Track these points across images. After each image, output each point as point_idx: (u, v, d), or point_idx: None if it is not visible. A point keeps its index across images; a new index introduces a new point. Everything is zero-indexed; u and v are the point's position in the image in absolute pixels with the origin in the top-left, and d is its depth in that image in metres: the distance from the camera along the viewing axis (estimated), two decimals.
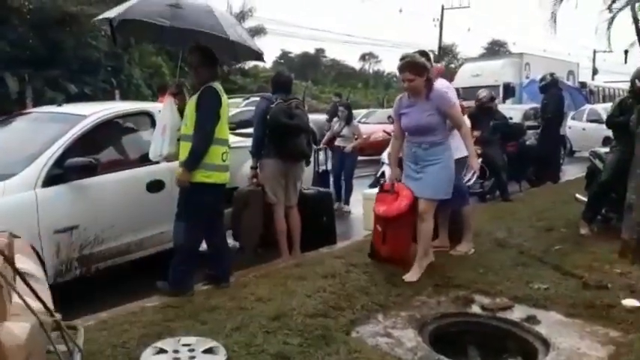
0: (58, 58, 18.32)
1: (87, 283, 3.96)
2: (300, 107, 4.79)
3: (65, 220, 3.63)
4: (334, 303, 3.50)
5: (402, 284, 3.95)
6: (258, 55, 4.11)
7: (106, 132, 4.31)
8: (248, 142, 5.13)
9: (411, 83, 3.93)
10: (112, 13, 3.61)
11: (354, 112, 19.50)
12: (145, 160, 4.32)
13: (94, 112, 4.19)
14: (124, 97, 20.21)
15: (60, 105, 4.78)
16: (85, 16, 19.27)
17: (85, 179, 3.78)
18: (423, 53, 4.17)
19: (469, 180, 4.41)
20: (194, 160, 3.57)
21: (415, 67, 3.91)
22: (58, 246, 3.58)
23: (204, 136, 3.57)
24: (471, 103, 7.71)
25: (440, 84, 4.31)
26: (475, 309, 3.59)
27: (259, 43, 31.16)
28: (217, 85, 3.69)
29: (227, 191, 4.60)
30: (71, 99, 17.82)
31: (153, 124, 4.39)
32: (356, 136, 7.92)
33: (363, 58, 59.90)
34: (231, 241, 4.47)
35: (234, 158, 4.90)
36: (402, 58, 4.00)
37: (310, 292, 3.66)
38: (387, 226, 4.19)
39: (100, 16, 3.84)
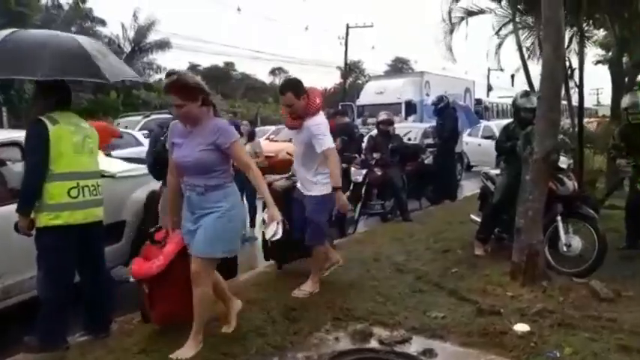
0: None
1: None
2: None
3: None
4: (226, 349, 3.28)
5: (301, 319, 3.80)
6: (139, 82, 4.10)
7: None
8: (139, 170, 4.81)
9: (181, 110, 3.09)
10: None
11: (264, 128, 19.48)
12: (15, 196, 3.88)
13: None
14: (13, 114, 18.70)
15: None
16: None
17: None
18: (293, 85, 4.25)
19: (274, 234, 3.23)
20: (22, 202, 3.21)
21: (183, 89, 3.05)
22: None
23: (27, 175, 3.20)
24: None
25: (314, 120, 4.17)
26: (373, 343, 3.51)
27: (165, 57, 30.26)
28: (52, 116, 3.25)
29: (112, 226, 4.27)
30: None
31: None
32: (257, 154, 7.74)
33: (273, 72, 59.98)
34: None
35: (120, 189, 4.59)
36: (168, 75, 3.16)
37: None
38: (152, 286, 3.35)
39: None
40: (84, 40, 3.56)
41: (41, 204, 3.15)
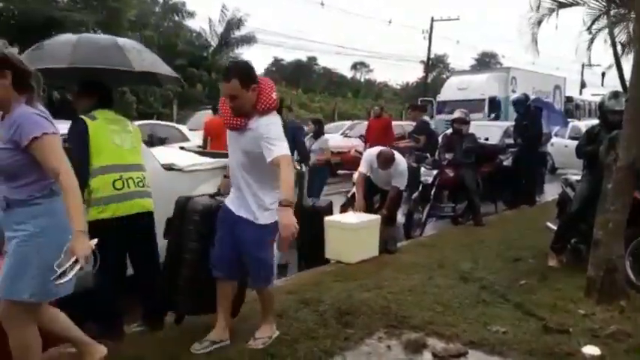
0: None
1: None
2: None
3: None
4: (275, 350, 3.26)
5: (355, 324, 3.72)
6: (176, 80, 4.38)
7: None
8: (209, 163, 4.90)
9: None
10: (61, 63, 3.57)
11: (340, 123, 19.47)
12: None
13: None
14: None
15: None
16: (70, 21, 19.08)
17: None
18: (242, 70, 3.12)
19: (63, 273, 2.25)
20: None
21: None
22: None
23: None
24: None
25: (265, 119, 3.10)
26: (427, 356, 3.37)
27: (250, 52, 31.02)
28: (92, 114, 3.35)
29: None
30: (52, 105, 17.58)
31: None
32: (324, 151, 7.73)
33: (354, 67, 59.95)
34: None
35: (184, 184, 4.69)
36: None
37: (250, 336, 3.41)
38: None
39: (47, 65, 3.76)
40: (122, 39, 3.86)
41: (89, 199, 3.23)
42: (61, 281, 2.21)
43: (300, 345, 3.35)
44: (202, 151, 6.20)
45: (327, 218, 5.42)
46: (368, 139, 10.49)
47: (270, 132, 3.01)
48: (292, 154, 6.27)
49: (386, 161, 5.50)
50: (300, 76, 49.08)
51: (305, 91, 38.67)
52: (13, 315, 2.41)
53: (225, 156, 5.46)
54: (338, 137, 15.51)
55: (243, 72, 3.09)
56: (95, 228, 3.07)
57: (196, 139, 9.84)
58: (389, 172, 5.61)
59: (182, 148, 7.18)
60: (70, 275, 2.19)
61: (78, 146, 3.28)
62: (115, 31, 21.36)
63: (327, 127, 19.75)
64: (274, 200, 3.07)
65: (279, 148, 2.97)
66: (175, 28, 27.56)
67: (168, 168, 4.62)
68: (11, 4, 18.27)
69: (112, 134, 3.38)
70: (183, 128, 12.00)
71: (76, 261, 2.20)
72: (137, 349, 3.24)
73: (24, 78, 2.39)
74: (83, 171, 3.24)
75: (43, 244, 2.34)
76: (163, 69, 4.07)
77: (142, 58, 3.73)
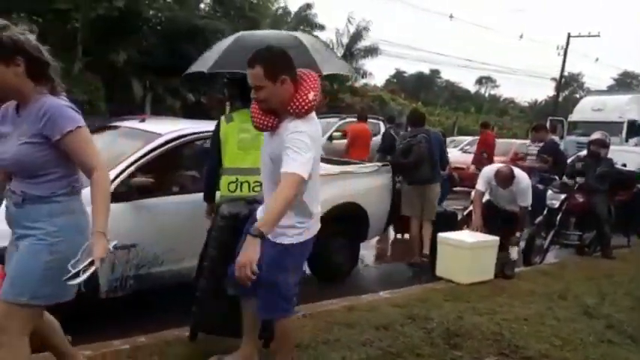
0: (180, 68, 19.60)
1: (146, 300, 4.03)
2: (423, 141, 5.94)
3: (124, 237, 3.68)
4: None
5: (463, 346, 3.58)
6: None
7: (179, 152, 4.37)
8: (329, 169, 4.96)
9: None
10: (202, 67, 4.00)
11: (459, 138, 18.92)
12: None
13: (170, 130, 4.24)
14: (236, 108, 21.05)
15: (143, 120, 4.91)
16: (210, 29, 20.52)
17: (148, 199, 3.83)
18: (268, 57, 2.58)
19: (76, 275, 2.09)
20: (204, 191, 3.69)
21: None
22: (114, 262, 3.65)
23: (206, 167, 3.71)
24: None
25: (297, 124, 2.53)
26: None
27: (373, 62, 31.28)
28: (232, 115, 3.52)
29: None
30: (188, 107, 18.97)
31: None
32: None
33: (479, 81, 58.04)
34: None
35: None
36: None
37: (354, 344, 3.41)
38: None
39: (191, 70, 4.22)
40: (302, 36, 3.95)
41: (219, 195, 3.44)
42: (74, 282, 2.02)
43: None
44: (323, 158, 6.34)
45: (440, 235, 5.27)
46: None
47: (292, 141, 2.44)
48: (441, 162, 6.62)
49: (505, 179, 5.22)
50: (421, 89, 48.48)
51: (425, 104, 38.12)
52: (7, 317, 2.11)
53: (346, 164, 5.51)
54: (456, 152, 15.08)
55: (269, 59, 2.55)
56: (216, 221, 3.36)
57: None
58: (510, 189, 5.31)
59: None
60: (85, 277, 2.02)
61: (211, 146, 3.58)
62: None
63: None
64: (303, 220, 2.64)
65: (293, 162, 2.40)
66: None
67: None
68: (159, 12, 20.03)
69: (241, 137, 3.44)
70: None
71: (92, 263, 2.04)
72: None
73: (40, 67, 2.16)
74: (210, 170, 3.55)
75: (57, 244, 2.14)
76: (343, 68, 4.23)
77: (323, 58, 3.84)
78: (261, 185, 3.43)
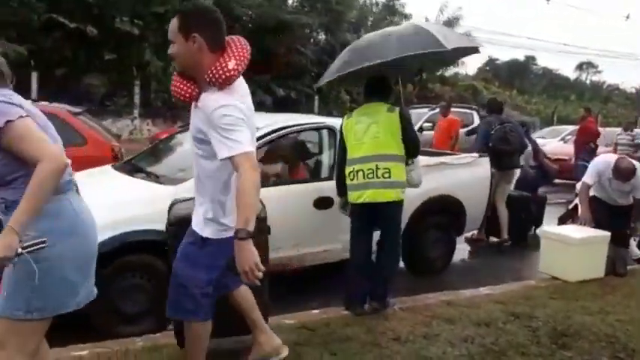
0: (270, 64, 20.09)
1: None
2: (514, 130, 6.18)
3: None
4: (480, 358, 3.11)
5: (573, 347, 3.36)
6: (474, 49, 4.41)
7: (278, 144, 4.47)
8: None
9: None
10: (333, 75, 4.07)
11: (558, 127, 17.87)
12: (315, 175, 4.45)
13: (267, 124, 4.34)
14: (323, 101, 21.30)
15: None
16: (297, 24, 20.83)
17: None
18: (187, 13, 2.25)
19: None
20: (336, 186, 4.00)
21: None
22: None
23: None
24: None
25: (217, 97, 2.17)
26: None
27: None
28: (354, 109, 3.94)
29: None
30: (278, 102, 19.43)
31: (334, 139, 4.45)
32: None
33: (580, 67, 54.44)
34: None
35: None
36: None
37: (455, 339, 3.32)
38: None
39: (324, 80, 4.32)
40: (419, 22, 4.04)
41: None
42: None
43: (508, 358, 3.15)
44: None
45: (544, 229, 4.99)
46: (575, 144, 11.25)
47: (220, 118, 2.09)
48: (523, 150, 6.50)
49: (627, 173, 4.78)
50: (515, 76, 46.31)
51: (520, 92, 36.39)
52: (7, 335, 1.91)
53: (442, 155, 5.40)
54: (556, 143, 14.25)
55: (187, 12, 2.24)
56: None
57: None
58: (629, 183, 4.87)
59: None
60: None
61: (339, 140, 3.97)
62: (335, 32, 22.77)
63: (542, 132, 18.38)
64: (224, 216, 2.28)
65: (232, 143, 2.06)
66: None
67: None
68: (249, 10, 20.60)
69: (355, 128, 3.77)
70: None
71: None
72: None
73: None
74: (338, 165, 3.95)
75: (46, 253, 1.85)
76: (468, 43, 4.32)
77: (446, 36, 3.85)
78: (373, 173, 3.65)
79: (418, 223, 4.76)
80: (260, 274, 2.05)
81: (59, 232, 1.90)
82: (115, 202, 3.58)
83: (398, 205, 3.71)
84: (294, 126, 4.46)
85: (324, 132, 4.58)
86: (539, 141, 15.61)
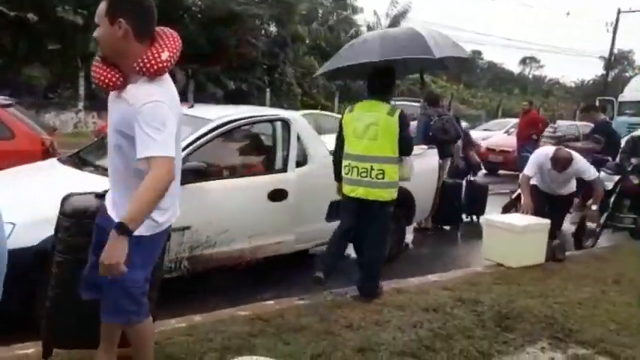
0: (220, 55, 19.83)
1: (199, 281, 4.15)
2: (450, 121, 6.72)
3: (178, 220, 3.75)
4: (429, 342, 3.23)
5: (515, 329, 3.54)
6: (463, 61, 4.70)
7: (230, 137, 4.46)
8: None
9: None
10: (336, 65, 4.27)
11: (503, 120, 18.51)
12: (269, 167, 4.47)
13: (219, 116, 4.31)
14: (275, 94, 21.21)
15: (192, 106, 4.99)
16: (248, 15, 20.59)
17: (202, 183, 3.92)
18: None
19: None
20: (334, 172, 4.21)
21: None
22: (169, 244, 3.75)
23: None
24: None
25: (143, 89, 2.09)
26: None
27: None
28: (355, 104, 4.05)
29: None
30: (229, 94, 19.22)
31: (288, 132, 4.49)
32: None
33: (523, 61, 56.41)
34: None
35: None
36: None
37: (405, 325, 3.43)
38: None
39: (326, 68, 4.50)
40: (421, 29, 4.15)
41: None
42: None
43: (455, 342, 3.28)
44: None
45: (488, 217, 5.21)
46: (518, 136, 11.61)
47: (147, 114, 1.99)
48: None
49: (564, 162, 5.05)
50: (462, 71, 47.44)
51: (467, 86, 37.35)
52: None
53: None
54: (501, 135, 14.77)
55: None
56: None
57: None
58: (566, 172, 5.15)
59: None
60: None
61: (337, 133, 4.10)
62: (286, 24, 22.68)
63: (488, 124, 18.99)
64: (156, 211, 2.09)
65: (154, 143, 1.97)
66: (341, 22, 28.37)
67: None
68: (199, 0, 20.20)
69: (354, 125, 3.91)
70: None
71: None
72: None
73: None
74: (334, 154, 4.15)
75: None
76: (458, 52, 4.35)
77: (437, 43, 3.96)
78: (367, 172, 3.81)
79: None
80: (119, 275, 1.99)
81: None
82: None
83: (389, 203, 3.90)
84: (247, 118, 4.46)
85: (278, 124, 4.59)
86: (484, 133, 16.15)
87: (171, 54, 2.12)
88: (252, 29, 21.28)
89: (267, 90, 20.79)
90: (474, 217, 7.50)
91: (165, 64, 2.09)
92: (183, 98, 17.04)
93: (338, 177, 4.10)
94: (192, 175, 3.85)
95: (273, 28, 23.40)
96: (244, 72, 20.77)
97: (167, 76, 2.16)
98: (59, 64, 16.62)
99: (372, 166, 3.79)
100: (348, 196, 3.93)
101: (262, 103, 19.31)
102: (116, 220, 2.07)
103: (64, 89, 16.84)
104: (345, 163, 3.93)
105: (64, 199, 2.59)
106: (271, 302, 3.79)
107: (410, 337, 3.28)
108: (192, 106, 4.96)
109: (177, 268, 3.88)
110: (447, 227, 7.12)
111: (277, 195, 4.29)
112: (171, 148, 2.03)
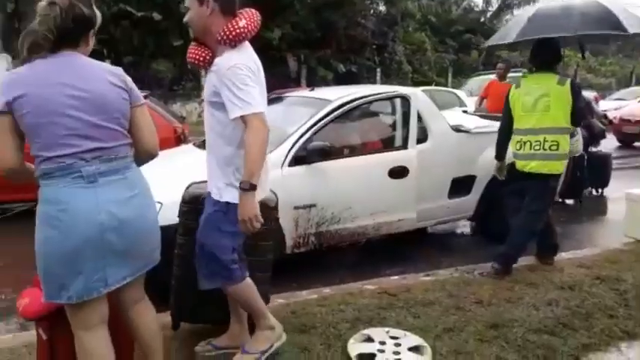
0: (330, 39, 20.04)
1: (323, 257, 4.30)
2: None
3: (305, 198, 3.95)
4: (567, 320, 3.08)
5: None
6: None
7: (350, 116, 4.52)
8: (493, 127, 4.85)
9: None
10: (505, 39, 4.25)
11: (637, 88, 16.86)
12: (389, 145, 4.50)
13: (339, 96, 4.40)
14: (385, 74, 21.06)
15: (313, 89, 5.14)
16: None
17: (325, 162, 4.03)
18: None
19: None
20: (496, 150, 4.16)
21: None
22: (297, 221, 3.93)
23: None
24: None
25: (228, 58, 2.23)
26: None
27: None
28: (521, 80, 3.95)
29: (462, 180, 4.67)
30: (339, 77, 19.41)
31: (408, 108, 4.48)
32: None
33: None
34: None
35: (472, 145, 4.72)
36: None
37: (540, 303, 3.30)
38: (53, 330, 2.20)
39: (493, 42, 4.55)
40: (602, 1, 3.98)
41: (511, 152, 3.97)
42: None
43: (595, 321, 3.10)
44: (485, 115, 6.10)
45: (630, 191, 4.80)
46: None
47: (231, 78, 2.15)
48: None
49: None
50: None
51: (594, 54, 34.38)
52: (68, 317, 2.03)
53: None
54: (635, 104, 13.50)
55: None
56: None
57: (472, 104, 9.82)
58: None
59: (464, 112, 7.20)
60: None
61: (503, 109, 4.05)
62: (396, 2, 22.33)
63: (620, 93, 17.42)
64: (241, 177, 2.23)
65: (242, 103, 2.14)
66: None
67: (457, 130, 4.71)
68: None
69: (523, 99, 3.86)
70: (461, 94, 12.10)
71: None
72: None
73: None
74: (500, 131, 4.09)
75: (36, 236, 1.90)
76: None
77: (628, 17, 3.87)
78: (540, 144, 3.77)
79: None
80: (258, 225, 2.18)
81: (41, 219, 1.87)
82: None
83: (557, 177, 3.86)
84: (367, 96, 4.49)
85: (398, 101, 4.57)
86: (617, 103, 14.91)
87: (249, 22, 2.26)
88: (362, 10, 21.24)
89: (377, 70, 20.67)
90: (596, 191, 6.98)
91: (242, 29, 2.23)
92: (296, 83, 17.56)
93: (499, 156, 4.08)
94: (317, 155, 3.98)
95: (382, 7, 23.15)
96: (354, 54, 20.83)
97: (248, 45, 2.31)
98: (182, 59, 17.77)
99: (545, 138, 3.73)
100: (517, 171, 3.88)
101: (372, 84, 19.26)
102: (211, 190, 2.35)
103: (187, 81, 18.01)
104: (516, 139, 3.89)
105: (186, 188, 2.79)
106: (396, 277, 3.84)
107: (546, 314, 3.15)
108: (312, 89, 5.13)
109: (304, 243, 4.04)
110: (569, 201, 6.66)
111: (398, 172, 4.29)
112: (260, 104, 2.17)
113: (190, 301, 2.75)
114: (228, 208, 2.28)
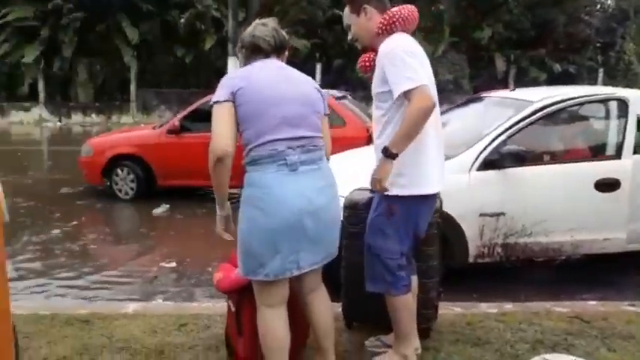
0: (545, 38, 18.59)
1: (509, 270, 4.03)
2: None
3: (493, 205, 3.73)
4: None
5: None
6: None
7: (553, 120, 4.14)
8: None
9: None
10: None
11: None
12: (598, 153, 4.06)
13: (542, 97, 4.05)
14: (609, 75, 18.83)
15: (513, 90, 4.81)
16: None
17: (520, 168, 3.75)
18: None
19: None
20: None
21: None
22: (482, 229, 3.72)
23: None
24: None
25: (386, 45, 2.28)
26: None
27: None
28: None
29: None
30: (554, 78, 17.91)
31: (625, 113, 3.98)
32: None
33: None
34: None
35: None
36: None
37: None
38: (242, 304, 2.37)
39: None
40: None
41: None
42: None
43: None
44: None
45: None
46: None
47: (394, 56, 2.20)
48: None
49: None
50: None
51: None
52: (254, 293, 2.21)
53: None
54: None
55: None
56: None
57: None
58: None
59: None
60: None
61: None
62: None
63: None
64: (412, 168, 2.26)
65: (408, 80, 2.15)
66: None
67: None
68: None
69: None
70: None
71: None
72: None
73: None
74: None
75: (239, 217, 2.11)
76: None
77: None
78: None
79: None
80: (382, 190, 2.23)
81: (246, 201, 2.07)
82: None
83: None
84: (574, 98, 4.06)
85: (613, 104, 4.04)
86: None
87: (401, 8, 2.32)
88: (586, 5, 19.28)
89: (600, 70, 18.55)
90: None
91: (394, 12, 2.31)
92: (503, 85, 16.71)
93: None
94: (511, 159, 3.73)
95: (610, 1, 20.69)
96: (573, 53, 19.02)
97: (406, 35, 2.33)
98: None
99: None
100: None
101: (592, 85, 17.40)
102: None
103: None
104: None
105: (350, 193, 2.87)
106: (594, 303, 3.40)
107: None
108: (513, 90, 4.83)
109: (489, 254, 3.82)
110: None
111: (607, 185, 3.80)
112: (421, 78, 2.17)
113: (358, 301, 2.80)
114: (394, 201, 2.30)
